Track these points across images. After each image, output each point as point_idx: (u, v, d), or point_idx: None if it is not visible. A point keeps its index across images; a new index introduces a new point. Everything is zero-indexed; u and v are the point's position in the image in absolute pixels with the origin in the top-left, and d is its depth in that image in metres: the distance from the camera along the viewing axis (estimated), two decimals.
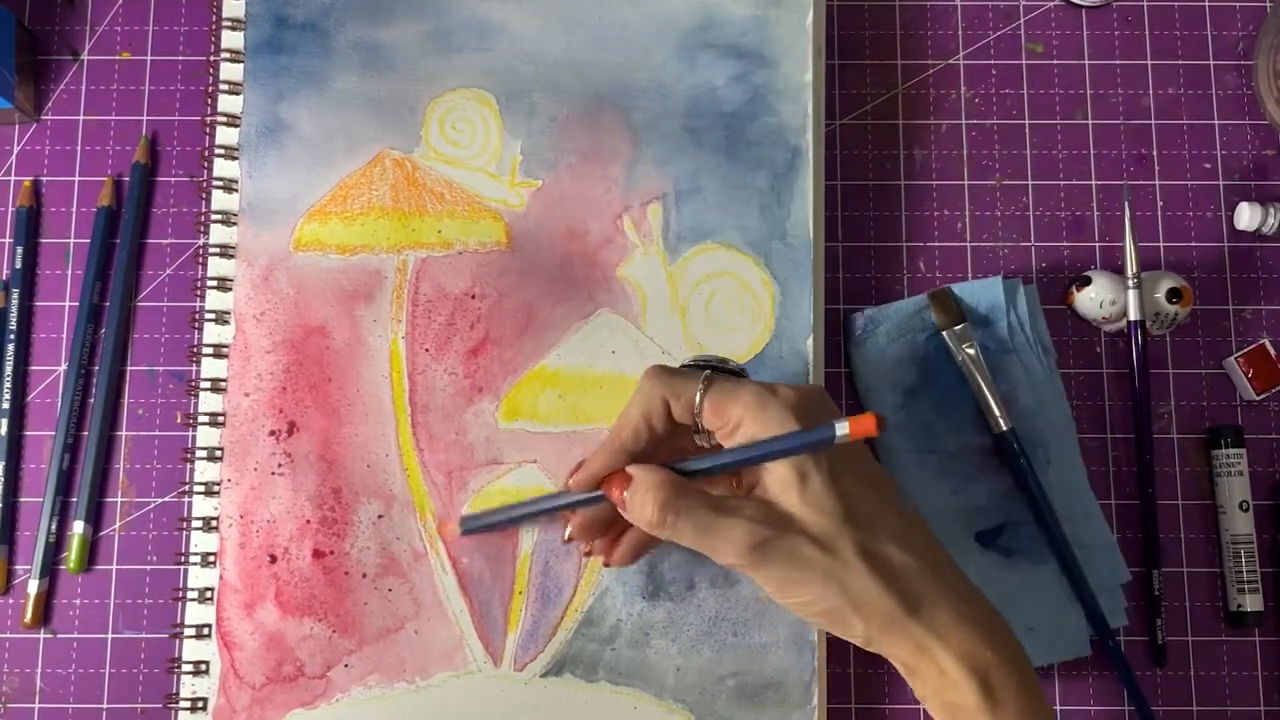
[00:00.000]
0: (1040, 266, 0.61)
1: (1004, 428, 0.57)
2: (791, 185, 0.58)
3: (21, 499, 0.58)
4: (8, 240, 0.60)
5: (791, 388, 0.46)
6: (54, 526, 0.58)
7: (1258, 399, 0.60)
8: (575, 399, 0.57)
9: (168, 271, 0.60)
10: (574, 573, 0.56)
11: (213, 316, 0.57)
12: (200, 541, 0.56)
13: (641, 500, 0.46)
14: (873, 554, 0.45)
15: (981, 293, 0.59)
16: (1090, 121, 0.62)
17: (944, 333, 0.57)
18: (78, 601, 0.58)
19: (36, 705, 0.57)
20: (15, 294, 0.59)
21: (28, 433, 0.59)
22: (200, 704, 0.55)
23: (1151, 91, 0.63)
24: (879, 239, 0.61)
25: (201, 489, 0.56)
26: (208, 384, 0.57)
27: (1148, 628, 0.58)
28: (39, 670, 0.57)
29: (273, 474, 0.56)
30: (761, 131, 0.58)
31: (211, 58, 0.61)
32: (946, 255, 0.61)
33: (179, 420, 0.59)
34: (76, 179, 0.61)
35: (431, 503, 0.56)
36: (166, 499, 0.58)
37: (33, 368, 0.59)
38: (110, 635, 0.57)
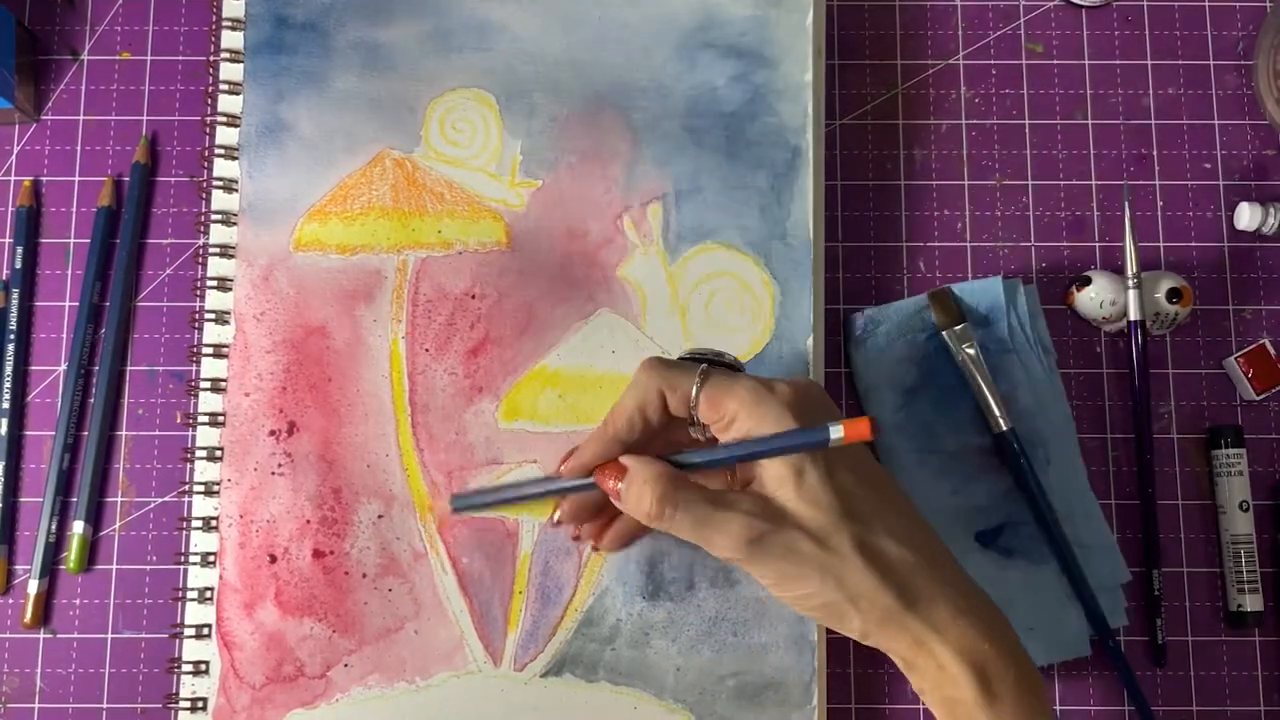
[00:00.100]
0: (1040, 266, 0.61)
1: (1004, 428, 0.57)
2: (791, 185, 0.58)
3: (21, 499, 0.58)
4: (8, 240, 0.60)
5: (788, 383, 0.46)
6: (54, 526, 0.58)
7: (1258, 399, 0.60)
8: (575, 399, 0.57)
9: (168, 271, 0.60)
10: (574, 572, 0.56)
11: (213, 316, 0.57)
12: (200, 541, 0.56)
13: (639, 492, 0.46)
14: (869, 548, 0.45)
15: (981, 293, 0.59)
16: (1090, 121, 0.62)
17: (944, 333, 0.57)
18: (78, 601, 0.58)
19: (36, 705, 0.57)
20: (15, 294, 0.59)
21: (28, 433, 0.59)
22: (200, 704, 0.55)
23: (1151, 91, 0.63)
24: (879, 239, 0.61)
25: (201, 489, 0.56)
26: (208, 384, 0.57)
27: (1148, 628, 0.58)
28: (39, 670, 0.57)
29: (273, 474, 0.56)
30: (761, 131, 0.58)
31: (211, 58, 0.61)
32: (946, 255, 0.61)
33: (179, 420, 0.59)
34: (76, 179, 0.61)
35: (431, 503, 0.56)
36: (166, 499, 0.58)
37: (33, 368, 0.59)
38: (110, 635, 0.57)
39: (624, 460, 0.47)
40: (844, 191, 0.62)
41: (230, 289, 0.57)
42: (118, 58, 0.62)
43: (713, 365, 0.48)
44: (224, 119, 0.59)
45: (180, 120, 0.61)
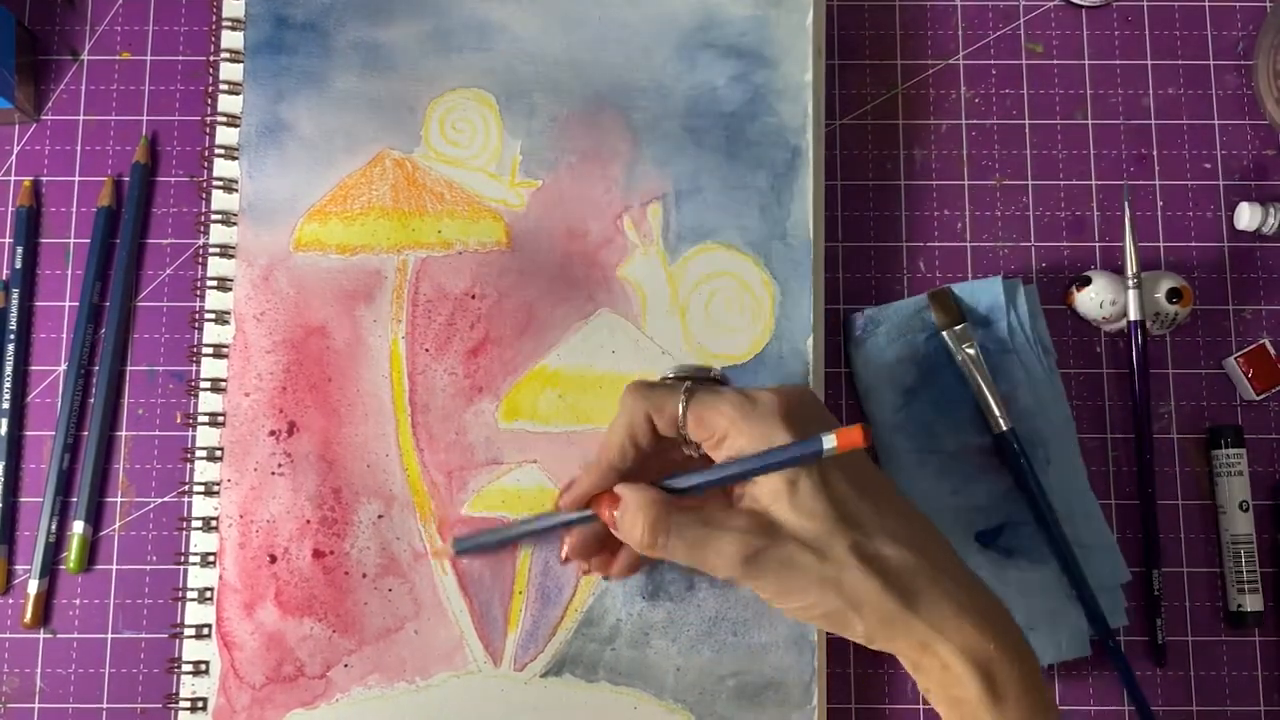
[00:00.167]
0: (1040, 266, 0.61)
1: (1004, 428, 0.57)
2: (791, 185, 0.58)
3: (21, 499, 0.58)
4: (8, 240, 0.60)
5: (774, 391, 0.46)
6: (54, 526, 0.58)
7: (1258, 399, 0.60)
8: (575, 399, 0.57)
9: (168, 271, 0.60)
10: (574, 573, 0.56)
11: (213, 316, 0.57)
12: (200, 541, 0.56)
13: (631, 520, 0.46)
14: (867, 553, 0.45)
15: (981, 293, 0.59)
16: (1090, 121, 0.62)
17: (944, 333, 0.57)
18: (78, 601, 0.58)
19: (36, 705, 0.57)
20: (15, 294, 0.59)
21: (28, 433, 0.59)
22: (200, 704, 0.55)
23: (1151, 91, 0.63)
24: (879, 239, 0.61)
25: (201, 489, 0.56)
26: (208, 384, 0.57)
27: (1148, 628, 0.58)
28: (39, 670, 0.57)
29: (273, 474, 0.56)
30: (761, 131, 0.58)
31: (211, 58, 0.61)
32: (946, 255, 0.61)
33: (179, 420, 0.59)
34: (76, 179, 0.61)
35: (431, 503, 0.56)
36: (166, 499, 0.58)
37: (33, 368, 0.59)
38: (110, 635, 0.57)
39: (618, 489, 0.47)
40: (844, 191, 0.62)
41: (230, 289, 0.57)
42: (118, 58, 0.62)
43: (697, 383, 0.48)
44: (224, 119, 0.59)
45: (180, 120, 0.61)
